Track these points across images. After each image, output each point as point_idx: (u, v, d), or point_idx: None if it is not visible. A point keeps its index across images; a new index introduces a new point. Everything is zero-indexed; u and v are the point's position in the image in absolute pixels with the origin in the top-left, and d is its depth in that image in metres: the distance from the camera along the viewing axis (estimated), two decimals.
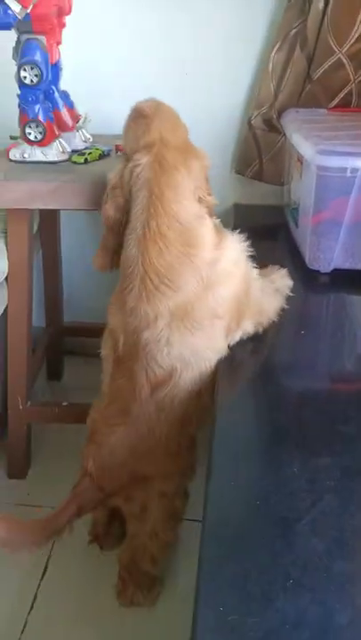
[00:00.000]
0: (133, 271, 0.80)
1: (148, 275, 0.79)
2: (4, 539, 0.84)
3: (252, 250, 0.86)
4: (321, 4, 1.11)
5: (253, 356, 0.89)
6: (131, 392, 0.83)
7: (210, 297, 0.80)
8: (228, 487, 0.62)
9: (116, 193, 0.83)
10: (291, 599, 0.50)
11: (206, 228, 0.81)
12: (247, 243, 0.86)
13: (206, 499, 0.61)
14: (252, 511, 0.59)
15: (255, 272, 0.87)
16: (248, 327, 0.86)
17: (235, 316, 0.83)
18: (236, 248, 0.84)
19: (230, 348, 0.87)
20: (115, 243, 0.87)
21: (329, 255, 1.03)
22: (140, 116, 0.82)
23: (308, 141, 0.97)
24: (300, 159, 1.04)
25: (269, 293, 0.89)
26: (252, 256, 0.86)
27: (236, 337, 0.85)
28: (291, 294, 0.93)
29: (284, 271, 0.95)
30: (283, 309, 0.91)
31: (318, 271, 1.04)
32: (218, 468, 0.64)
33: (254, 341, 0.93)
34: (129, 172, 0.81)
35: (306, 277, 1.05)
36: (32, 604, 1.02)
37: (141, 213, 0.79)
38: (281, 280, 0.93)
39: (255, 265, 0.88)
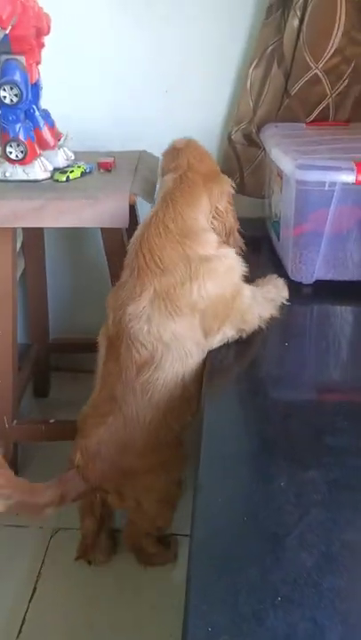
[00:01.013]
0: (132, 248, 0.88)
1: (142, 250, 0.85)
2: None
3: (246, 267, 0.91)
4: (296, 22, 1.13)
5: (239, 368, 0.90)
6: (118, 374, 0.87)
7: (194, 288, 0.84)
8: (215, 503, 0.61)
9: None
10: (281, 616, 0.49)
11: (209, 237, 0.88)
12: (243, 261, 0.91)
13: (194, 515, 0.60)
14: (241, 527, 0.58)
15: (247, 287, 0.91)
16: (228, 332, 0.89)
17: (216, 318, 0.86)
18: (233, 257, 0.89)
19: (215, 360, 0.87)
20: None
21: (311, 267, 1.04)
22: (173, 148, 0.94)
23: (287, 156, 0.98)
24: (280, 173, 1.05)
25: (260, 302, 0.92)
26: (245, 276, 0.90)
27: (217, 339, 0.88)
28: (286, 303, 0.96)
29: (281, 282, 0.99)
30: (271, 319, 0.93)
31: (301, 283, 1.05)
32: (205, 483, 0.64)
33: (239, 353, 0.93)
34: (160, 186, 0.92)
35: (289, 289, 1.05)
36: (20, 629, 1.00)
37: (156, 208, 0.88)
38: (276, 291, 0.97)
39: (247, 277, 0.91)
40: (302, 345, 0.94)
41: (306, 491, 0.62)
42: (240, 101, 1.26)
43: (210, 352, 0.90)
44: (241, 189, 1.34)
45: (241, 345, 0.95)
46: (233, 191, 0.95)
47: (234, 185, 0.96)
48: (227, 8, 1.24)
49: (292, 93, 1.21)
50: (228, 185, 0.94)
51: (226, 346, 0.93)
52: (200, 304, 0.84)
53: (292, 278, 1.05)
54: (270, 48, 1.19)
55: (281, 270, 1.09)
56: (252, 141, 1.28)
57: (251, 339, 0.97)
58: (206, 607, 0.50)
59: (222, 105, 1.34)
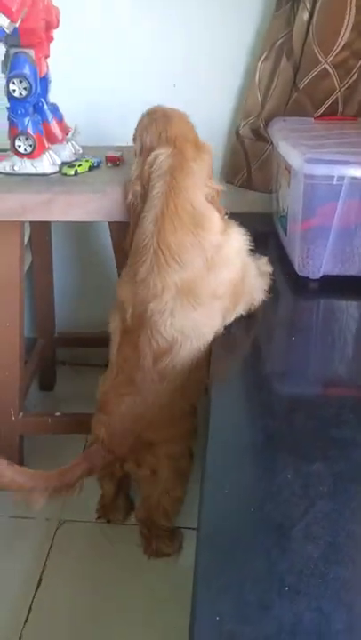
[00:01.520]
0: (147, 245, 0.88)
1: (161, 249, 0.86)
2: (13, 480, 0.92)
3: (252, 242, 0.94)
4: (306, 15, 1.13)
5: (245, 362, 0.90)
6: (135, 361, 0.90)
7: (212, 278, 0.88)
8: (222, 495, 0.62)
9: (135, 183, 0.92)
10: (287, 606, 0.50)
11: (214, 216, 0.90)
12: (247, 235, 0.94)
13: (201, 507, 0.61)
14: (247, 518, 0.59)
15: (251, 262, 0.96)
16: (240, 310, 0.94)
17: (232, 299, 0.91)
18: (239, 238, 0.92)
19: (221, 353, 0.88)
20: (133, 225, 0.94)
21: (318, 262, 1.04)
22: (163, 116, 0.93)
23: (295, 150, 0.98)
24: (288, 168, 1.05)
25: (257, 275, 0.98)
26: (251, 249, 0.94)
27: (231, 318, 0.93)
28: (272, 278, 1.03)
29: (265, 259, 1.04)
30: (275, 313, 0.97)
31: (308, 278, 1.06)
32: (212, 475, 0.65)
33: (246, 346, 0.94)
34: (151, 161, 0.90)
35: (296, 284, 1.06)
36: (27, 617, 1.01)
37: (162, 194, 0.87)
38: (264, 266, 1.02)
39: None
40: (309, 339, 0.95)
41: (312, 483, 0.62)
42: (248, 95, 1.26)
43: (215, 345, 0.91)
44: (248, 184, 1.34)
45: (248, 339, 0.96)
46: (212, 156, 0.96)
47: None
48: (236, 1, 1.24)
49: (301, 87, 1.21)
50: (211, 152, 0.95)
51: (232, 339, 0.94)
52: (218, 291, 0.89)
53: (300, 273, 1.05)
54: (279, 41, 1.19)
55: (288, 265, 1.09)
56: (260, 136, 1.27)
57: (257, 333, 0.97)
58: (213, 596, 0.51)
59: (230, 99, 1.33)
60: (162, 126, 0.91)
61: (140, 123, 0.96)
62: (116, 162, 1.13)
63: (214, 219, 0.90)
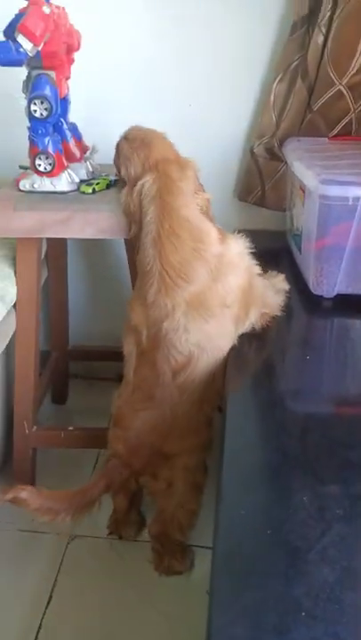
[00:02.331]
0: (152, 269, 0.90)
1: (166, 270, 0.88)
2: (41, 505, 0.93)
3: (253, 247, 0.96)
4: (321, 39, 1.15)
5: (259, 381, 0.90)
6: (154, 379, 0.92)
7: (219, 287, 0.89)
8: (238, 516, 0.62)
9: (127, 212, 0.95)
10: (304, 631, 0.50)
11: (210, 227, 0.92)
12: (248, 241, 0.96)
13: (217, 528, 0.61)
14: (264, 541, 0.59)
15: (257, 267, 0.96)
16: (253, 317, 0.95)
17: (242, 306, 0.92)
18: (238, 243, 0.94)
19: (236, 372, 0.88)
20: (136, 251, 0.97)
21: (332, 280, 1.04)
22: (142, 143, 0.95)
23: (310, 171, 0.99)
24: (303, 187, 1.06)
25: (272, 291, 1.00)
26: (253, 253, 0.96)
27: (246, 326, 0.95)
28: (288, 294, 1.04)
29: (282, 276, 1.05)
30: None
31: (322, 296, 1.06)
32: (227, 495, 0.65)
33: (260, 365, 0.94)
34: (139, 190, 0.92)
35: (310, 303, 1.06)
36: (37, 633, 1.01)
37: (155, 218, 0.90)
38: (280, 283, 1.04)
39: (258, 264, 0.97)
40: (323, 358, 0.95)
41: (328, 505, 0.62)
42: (263, 115, 1.28)
43: (230, 363, 0.91)
44: (262, 202, 1.35)
45: (261, 357, 0.96)
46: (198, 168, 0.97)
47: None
48: (251, 25, 1.26)
49: (315, 108, 1.22)
50: (195, 165, 0.96)
51: (246, 358, 0.94)
52: (228, 299, 0.90)
53: (314, 292, 1.06)
54: (294, 63, 1.21)
55: (302, 283, 1.10)
56: (275, 155, 1.29)
57: (271, 351, 0.97)
58: (229, 620, 0.51)
59: (245, 119, 1.35)
60: (143, 154, 0.93)
61: (120, 150, 0.98)
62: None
63: (211, 230, 0.92)
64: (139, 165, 0.93)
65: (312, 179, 0.97)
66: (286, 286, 1.04)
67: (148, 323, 0.91)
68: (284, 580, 0.54)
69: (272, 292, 1.00)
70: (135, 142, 0.95)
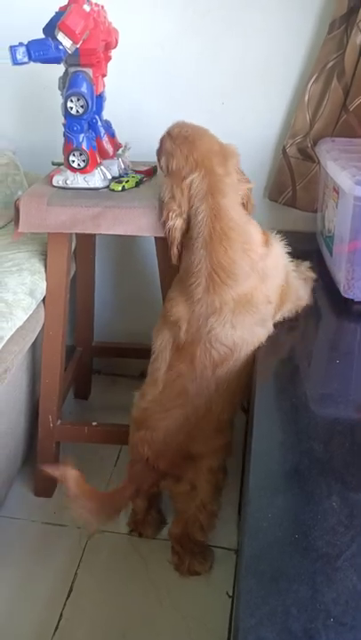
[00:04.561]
0: (201, 269, 0.92)
1: (215, 270, 0.91)
2: (73, 488, 0.95)
3: (289, 247, 1.00)
4: (359, 38, 1.13)
5: (288, 385, 0.89)
6: (191, 374, 0.94)
7: (264, 287, 0.93)
8: (265, 519, 0.61)
9: (170, 203, 0.94)
10: (333, 637, 0.49)
11: (254, 228, 0.95)
12: (285, 241, 0.99)
13: (244, 530, 0.60)
14: (291, 545, 0.58)
15: (292, 264, 1.01)
16: (286, 310, 0.99)
17: (279, 302, 0.97)
18: (279, 244, 0.98)
19: (265, 376, 0.88)
20: (179, 245, 0.97)
21: None
22: (185, 140, 0.95)
23: (345, 172, 0.98)
24: (337, 188, 1.05)
25: (300, 281, 1.03)
26: (289, 253, 1.00)
27: (278, 318, 0.98)
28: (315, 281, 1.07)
29: (307, 263, 1.08)
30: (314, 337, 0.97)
31: (353, 300, 1.04)
32: (254, 499, 0.64)
33: (288, 368, 0.93)
34: (188, 185, 0.93)
35: (340, 306, 1.05)
36: (57, 624, 1.02)
37: (206, 218, 0.91)
38: (307, 272, 1.06)
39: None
40: (352, 363, 0.93)
41: (357, 512, 0.61)
42: (297, 115, 1.26)
43: (258, 366, 0.90)
44: (293, 203, 1.34)
45: (290, 360, 0.95)
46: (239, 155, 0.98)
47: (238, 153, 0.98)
48: (288, 23, 1.25)
49: (351, 109, 1.20)
50: (236, 152, 0.97)
51: (275, 360, 0.93)
52: (271, 297, 0.94)
53: (345, 295, 1.04)
54: (331, 63, 1.19)
55: (332, 286, 1.08)
56: (307, 155, 1.27)
57: (300, 354, 0.96)
58: (257, 623, 0.50)
59: (278, 118, 1.34)
60: (187, 150, 0.94)
61: (163, 144, 0.99)
62: (149, 174, 1.15)
63: (255, 231, 0.95)
64: (182, 160, 0.94)
65: (347, 179, 0.95)
66: (313, 275, 1.06)
67: (192, 318, 0.93)
68: (312, 586, 0.53)
69: (301, 281, 1.02)
70: (178, 139, 0.96)
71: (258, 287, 0.92)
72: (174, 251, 0.97)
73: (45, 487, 1.28)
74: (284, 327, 1.01)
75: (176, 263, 0.99)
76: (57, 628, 1.01)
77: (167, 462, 0.98)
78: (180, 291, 0.96)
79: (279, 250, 0.97)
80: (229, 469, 1.05)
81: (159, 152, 1.00)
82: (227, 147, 0.97)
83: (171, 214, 0.94)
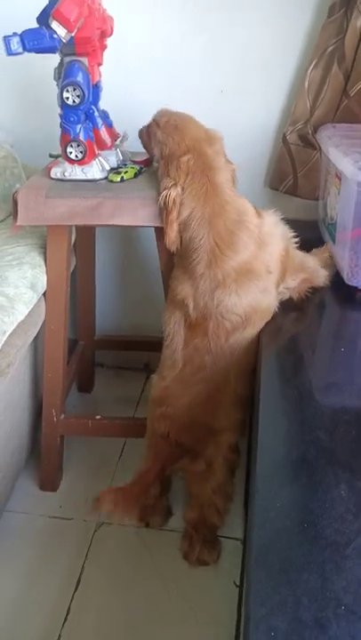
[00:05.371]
0: (203, 244, 0.95)
1: (216, 243, 0.94)
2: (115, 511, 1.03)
3: (296, 236, 1.03)
4: (360, 22, 1.11)
5: (294, 374, 0.88)
6: (206, 346, 0.97)
7: (263, 254, 0.96)
8: (273, 508, 0.61)
9: (171, 182, 0.97)
10: (343, 626, 0.49)
11: (245, 202, 0.99)
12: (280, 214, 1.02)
13: (252, 520, 0.60)
14: (300, 534, 0.58)
15: (291, 234, 1.03)
16: (290, 282, 1.01)
17: (281, 272, 0.99)
18: (271, 214, 1.01)
19: (271, 364, 0.87)
20: (178, 225, 0.99)
21: None
22: (175, 128, 0.99)
23: (347, 158, 0.96)
24: (339, 175, 1.03)
25: (316, 263, 1.05)
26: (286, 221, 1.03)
27: (280, 289, 1.00)
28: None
29: (328, 250, 1.11)
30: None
31: (356, 287, 1.03)
32: (262, 488, 0.64)
33: (293, 357, 0.92)
34: (183, 165, 0.96)
35: (343, 294, 1.04)
36: (65, 617, 1.02)
37: (203, 196, 0.95)
38: (329, 259, 1.09)
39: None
40: (357, 351, 0.92)
41: None
42: (297, 102, 1.25)
43: (263, 354, 0.90)
44: (294, 191, 1.33)
45: (295, 348, 0.95)
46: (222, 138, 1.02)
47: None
48: (286, 8, 1.23)
49: (352, 94, 1.19)
50: (220, 136, 1.01)
51: (280, 348, 0.93)
52: (271, 266, 0.97)
53: (348, 282, 1.03)
54: (331, 48, 1.17)
55: (335, 274, 1.07)
56: (308, 142, 1.26)
57: (305, 343, 0.96)
58: (268, 613, 0.50)
59: (278, 105, 1.32)
60: (178, 138, 0.98)
61: (152, 135, 1.02)
62: (145, 164, 1.14)
63: (247, 204, 0.98)
64: (174, 146, 0.98)
65: (350, 165, 0.94)
66: (332, 261, 1.08)
67: (196, 295, 0.96)
68: (321, 575, 0.53)
69: (316, 263, 1.04)
70: (167, 128, 0.99)
71: (257, 255, 0.95)
72: (170, 230, 0.97)
73: (51, 481, 1.28)
74: (288, 316, 1.00)
75: (171, 249, 0.99)
76: (65, 620, 1.02)
77: (189, 436, 1.02)
78: (181, 270, 0.99)
79: (273, 219, 1.00)
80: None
81: (147, 142, 1.05)
82: (211, 131, 1.01)
83: (167, 185, 0.96)
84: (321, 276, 1.04)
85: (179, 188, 0.95)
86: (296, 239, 1.04)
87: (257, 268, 0.95)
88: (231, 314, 0.95)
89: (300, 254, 1.03)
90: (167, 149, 0.98)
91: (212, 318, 0.96)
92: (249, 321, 0.96)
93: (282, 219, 1.02)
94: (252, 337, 0.97)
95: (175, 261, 1.04)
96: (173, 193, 0.95)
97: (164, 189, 0.96)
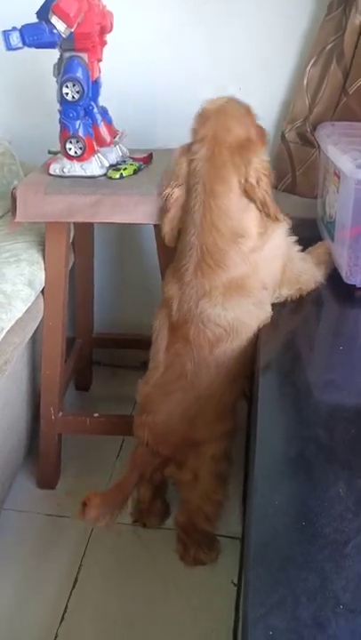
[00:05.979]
0: (192, 255, 0.92)
1: (205, 259, 0.91)
2: (96, 516, 0.96)
3: (295, 234, 0.98)
4: (358, 20, 1.11)
5: (292, 372, 0.88)
6: (188, 353, 0.93)
7: (258, 275, 0.92)
8: (271, 506, 0.61)
9: (178, 180, 0.92)
10: (343, 624, 0.48)
11: (251, 221, 0.92)
12: (290, 227, 0.98)
13: (250, 518, 0.60)
14: (298, 532, 0.57)
15: (296, 251, 0.99)
16: (284, 292, 0.99)
17: (276, 286, 0.97)
18: (278, 235, 0.95)
19: (269, 362, 0.87)
20: (179, 220, 0.96)
21: None
22: (201, 114, 0.92)
23: (346, 155, 0.96)
24: (338, 173, 1.03)
25: (312, 264, 1.02)
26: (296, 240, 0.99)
27: (273, 299, 0.98)
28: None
29: (325, 246, 1.09)
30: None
31: (355, 286, 1.03)
32: (260, 486, 0.63)
33: (292, 355, 0.92)
34: (187, 162, 0.91)
35: (342, 292, 1.03)
36: (62, 616, 1.02)
37: (199, 206, 0.90)
38: (323, 255, 1.06)
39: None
40: (356, 349, 0.92)
41: None
42: (296, 100, 1.24)
43: (261, 352, 0.89)
44: (292, 189, 1.32)
45: (293, 347, 0.94)
46: (265, 158, 0.90)
47: (267, 159, 0.91)
48: (284, 5, 1.22)
49: (351, 92, 1.18)
50: (255, 153, 0.88)
51: (278, 346, 0.92)
52: (266, 283, 0.94)
53: (347, 281, 1.03)
54: (330, 46, 1.17)
55: (334, 273, 1.07)
56: (307, 140, 1.26)
57: (303, 341, 0.95)
58: (266, 612, 0.50)
59: (276, 103, 1.32)
60: (199, 124, 0.90)
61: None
62: (146, 162, 1.13)
63: (251, 223, 0.91)
64: (193, 134, 0.91)
65: (349, 163, 0.94)
66: (328, 258, 1.06)
67: (182, 298, 0.93)
68: (320, 573, 0.53)
69: (312, 265, 1.01)
70: (200, 116, 0.91)
71: (250, 276, 0.91)
72: (167, 227, 0.95)
73: (48, 479, 1.28)
74: (287, 314, 1.00)
75: (169, 244, 0.98)
76: (63, 618, 1.02)
77: (168, 446, 0.97)
78: (173, 269, 0.97)
79: (276, 241, 0.94)
80: (234, 457, 1.04)
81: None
82: (250, 142, 0.89)
83: (172, 184, 0.93)
84: (318, 282, 1.02)
85: (180, 190, 0.92)
86: (295, 238, 1.01)
87: (250, 285, 0.92)
88: (213, 324, 0.91)
89: (297, 267, 0.98)
90: (191, 133, 0.91)
91: (193, 323, 0.92)
92: (234, 333, 0.92)
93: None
94: (241, 352, 0.94)
95: (174, 259, 1.01)
96: (174, 193, 0.92)
97: (169, 187, 0.92)
